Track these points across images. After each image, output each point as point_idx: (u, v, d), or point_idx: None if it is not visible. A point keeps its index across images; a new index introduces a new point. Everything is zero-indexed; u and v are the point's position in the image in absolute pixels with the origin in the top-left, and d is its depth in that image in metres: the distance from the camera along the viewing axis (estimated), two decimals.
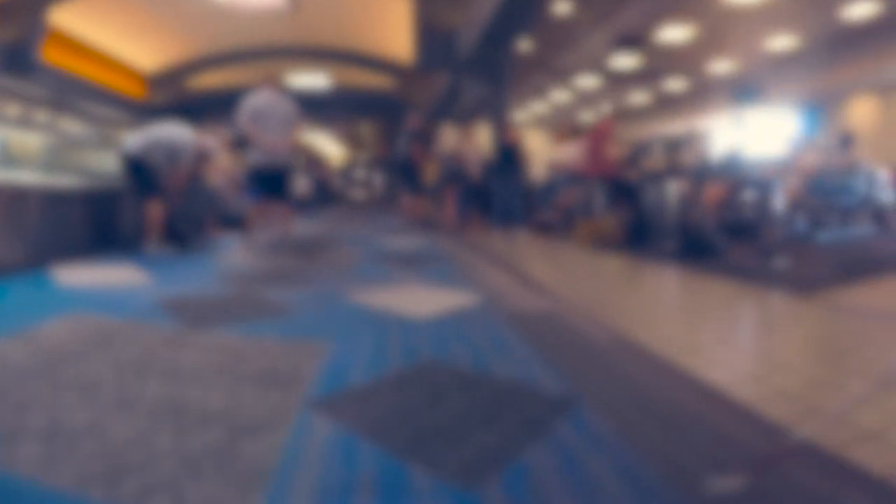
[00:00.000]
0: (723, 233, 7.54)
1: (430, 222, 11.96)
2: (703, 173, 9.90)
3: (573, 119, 24.08)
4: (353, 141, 40.30)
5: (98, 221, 6.97)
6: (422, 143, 10.92)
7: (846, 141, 10.43)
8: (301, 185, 15.94)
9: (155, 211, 6.98)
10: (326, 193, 23.81)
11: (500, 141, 10.20)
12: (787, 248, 6.88)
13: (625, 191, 8.95)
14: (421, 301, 4.28)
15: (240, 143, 10.47)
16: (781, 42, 15.37)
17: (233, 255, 7.07)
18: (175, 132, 7.18)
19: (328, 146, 42.36)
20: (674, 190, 9.30)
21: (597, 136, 9.01)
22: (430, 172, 11.56)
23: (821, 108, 19.37)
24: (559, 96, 21.34)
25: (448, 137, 10.66)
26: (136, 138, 7.01)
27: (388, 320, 3.63)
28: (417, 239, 9.35)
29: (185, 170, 7.71)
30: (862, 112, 18.17)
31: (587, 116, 23.67)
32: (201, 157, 7.71)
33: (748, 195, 9.41)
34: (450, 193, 10.74)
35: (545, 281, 5.09)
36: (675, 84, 19.46)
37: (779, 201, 7.49)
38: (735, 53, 16.57)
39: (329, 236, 9.58)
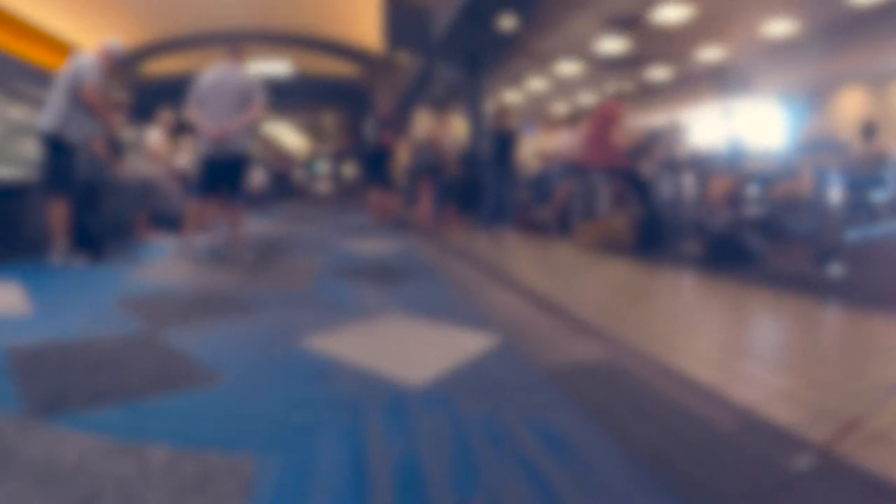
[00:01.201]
0: (758, 233, 6.35)
1: (401, 221, 10.54)
2: (702, 165, 8.68)
3: (546, 109, 22.87)
4: (315, 132, 38.50)
5: None
6: (393, 130, 9.52)
7: (869, 130, 9.25)
8: (256, 177, 14.40)
9: (60, 211, 5.46)
10: (286, 187, 22.21)
11: (494, 128, 8.81)
12: (839, 253, 5.65)
13: (635, 185, 7.66)
14: (412, 348, 2.88)
15: (181, 129, 8.96)
16: (780, 27, 14.28)
17: (156, 267, 5.55)
18: None
19: (289, 137, 40.47)
20: (692, 184, 8.06)
21: (602, 120, 7.69)
22: (402, 162, 10.15)
23: (808, 99, 18.43)
24: (535, 84, 20.00)
25: (422, 124, 9.20)
26: (51, 109, 5.49)
27: (365, 395, 2.23)
28: (390, 242, 7.93)
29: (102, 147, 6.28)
30: (851, 105, 17.24)
31: (561, 107, 22.42)
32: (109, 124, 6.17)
33: (752, 190, 8.26)
34: (425, 187, 9.34)
35: (574, 306, 3.71)
36: (658, 73, 18.32)
37: (834, 196, 6.24)
38: (728, 39, 15.46)
39: (284, 239, 8.09)
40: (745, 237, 6.03)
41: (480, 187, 10.65)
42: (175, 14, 21.87)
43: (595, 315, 3.49)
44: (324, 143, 40.90)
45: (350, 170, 34.63)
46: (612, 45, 14.88)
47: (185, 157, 10.65)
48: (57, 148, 5.46)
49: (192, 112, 6.00)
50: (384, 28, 14.59)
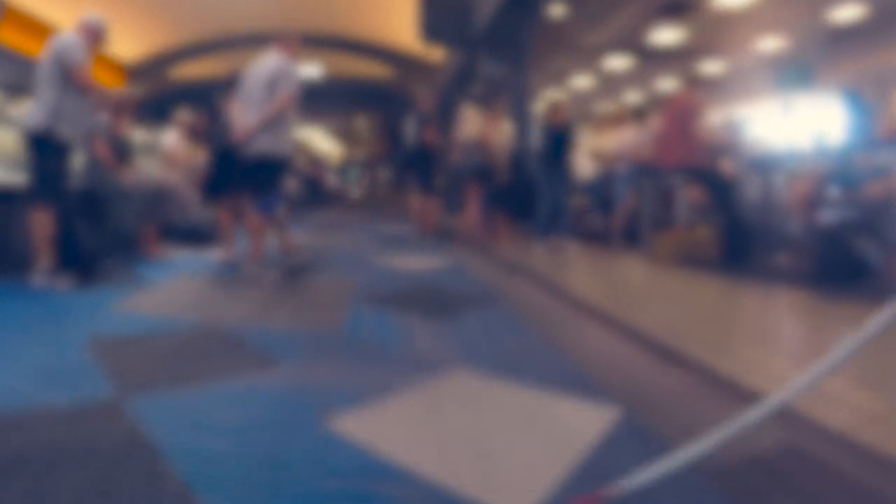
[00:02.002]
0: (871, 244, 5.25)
1: (445, 230, 9.53)
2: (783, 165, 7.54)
3: (590, 108, 21.70)
4: (348, 136, 37.72)
5: None
6: (436, 128, 8.53)
7: None
8: (287, 184, 13.46)
9: (43, 222, 4.55)
10: (318, 193, 21.38)
11: (548, 123, 7.76)
12: None
13: (717, 187, 6.56)
14: (498, 440, 1.86)
15: (205, 131, 8.10)
16: (847, 12, 12.98)
17: (157, 292, 4.58)
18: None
19: (321, 142, 39.75)
20: (783, 186, 6.92)
21: (681, 113, 6.60)
22: (450, 164, 9.14)
23: (876, 91, 17.04)
24: (580, 82, 18.88)
25: (469, 121, 8.16)
26: (38, 103, 4.59)
27: None
28: (435, 257, 6.92)
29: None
30: None
31: (605, 106, 21.26)
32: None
33: (833, 192, 7.12)
34: (472, 193, 8.31)
35: (707, 353, 2.64)
36: (712, 66, 17.06)
37: None
38: (790, 25, 14.17)
39: (315, 253, 7.11)
40: (861, 246, 4.99)
41: (532, 192, 9.59)
42: (204, 17, 21.25)
43: (743, 369, 2.41)
44: (357, 148, 40.10)
45: (384, 176, 33.80)
46: (664, 35, 13.72)
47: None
48: (45, 148, 4.54)
49: (235, 108, 5.47)
50: (420, 21, 13.56)
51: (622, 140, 8.36)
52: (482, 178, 8.36)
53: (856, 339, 1.27)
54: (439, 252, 7.36)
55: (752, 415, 1.34)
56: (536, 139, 9.29)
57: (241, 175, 5.43)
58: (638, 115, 8.23)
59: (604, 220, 8.57)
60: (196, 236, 7.42)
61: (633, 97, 20.50)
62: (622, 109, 9.21)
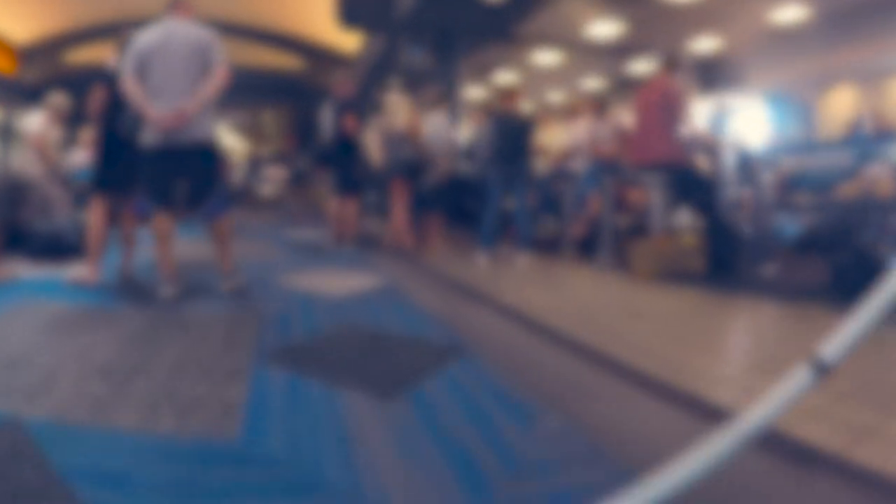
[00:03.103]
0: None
1: (366, 237, 8.13)
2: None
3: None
4: (253, 132, 35.53)
5: None
6: (357, 116, 7.13)
7: None
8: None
9: None
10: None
11: (500, 114, 6.52)
12: None
13: (698, 187, 5.55)
14: None
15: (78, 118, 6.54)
16: (789, 13, 12.42)
17: None
18: None
19: (225, 138, 37.39)
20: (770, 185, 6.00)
21: (662, 99, 5.53)
22: (374, 156, 7.75)
23: (796, 97, 16.79)
24: (504, 77, 17.80)
25: (396, 110, 6.83)
26: None
27: None
28: (362, 274, 5.53)
29: None
30: (843, 103, 15.66)
31: (526, 107, 20.23)
32: None
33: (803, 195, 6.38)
34: (400, 193, 7.00)
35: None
36: (644, 65, 16.33)
37: None
38: (730, 26, 13.55)
39: (206, 269, 5.56)
40: (882, 254, 4.21)
41: (468, 191, 8.34)
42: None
43: None
44: (264, 145, 37.96)
45: (284, 174, 32.00)
46: (605, 28, 12.79)
47: (82, 156, 8.11)
48: None
49: (130, 87, 4.18)
50: (337, 2, 12.08)
51: (577, 134, 7.25)
52: (411, 175, 7.05)
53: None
54: (364, 266, 5.99)
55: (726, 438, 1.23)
56: (475, 133, 8.05)
57: (183, 170, 4.27)
58: (599, 105, 7.10)
59: (555, 226, 7.42)
60: (58, 247, 5.77)
61: (556, 96, 19.65)
62: (578, 101, 8.08)
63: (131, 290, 4.59)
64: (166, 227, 4.32)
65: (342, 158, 7.12)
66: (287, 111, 28.03)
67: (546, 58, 15.30)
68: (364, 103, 7.10)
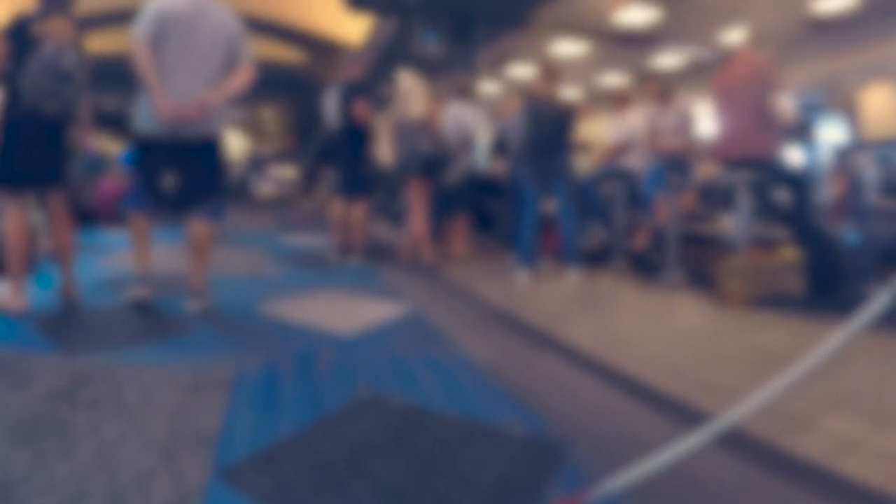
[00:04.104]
0: None
1: (378, 247, 6.94)
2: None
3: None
4: (253, 130, 34.27)
5: None
6: (368, 101, 5.94)
7: None
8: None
9: None
10: None
11: (535, 101, 5.36)
12: None
13: (793, 186, 4.43)
14: None
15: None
16: (833, 2, 11.25)
17: None
18: None
19: (225, 137, 36.13)
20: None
21: (755, 80, 4.39)
22: (384, 150, 6.60)
23: (835, 93, 15.64)
24: (519, 72, 16.59)
25: (411, 97, 5.65)
26: None
27: None
28: (379, 303, 4.36)
29: None
30: (884, 100, 14.50)
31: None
32: None
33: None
34: (418, 194, 5.83)
35: None
36: (668, 60, 15.19)
37: None
38: (767, 13, 12.36)
39: (174, 287, 4.36)
40: None
41: (494, 192, 7.16)
42: None
43: None
44: (264, 142, 36.73)
45: (290, 174, 30.82)
46: (637, 15, 11.60)
47: None
48: None
49: (141, 57, 3.44)
50: None
51: (631, 125, 6.08)
52: (430, 172, 5.88)
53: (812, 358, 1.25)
54: (378, 287, 4.80)
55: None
56: (504, 124, 6.87)
57: (184, 168, 3.62)
58: (661, 90, 5.91)
59: (602, 234, 6.25)
60: None
61: (572, 93, 18.45)
62: (626, 88, 6.86)
63: (69, 320, 3.43)
64: (147, 227, 3.76)
65: (349, 152, 5.93)
66: (288, 107, 26.88)
67: (567, 49, 14.12)
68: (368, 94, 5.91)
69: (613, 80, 16.93)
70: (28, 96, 3.36)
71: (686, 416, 2.12)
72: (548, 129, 5.27)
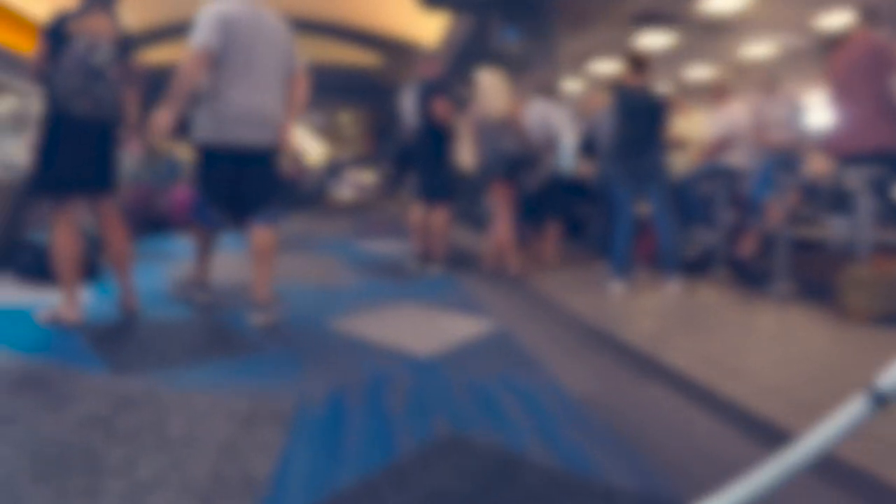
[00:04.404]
0: None
1: (458, 255, 6.59)
2: None
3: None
4: (332, 134, 34.55)
5: None
6: (448, 99, 5.60)
7: None
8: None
9: None
10: (291, 195, 18.41)
11: (623, 93, 4.90)
12: None
13: None
14: None
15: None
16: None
17: None
18: None
19: (305, 142, 36.47)
20: None
21: (872, 61, 3.87)
22: (468, 151, 6.26)
23: None
24: (603, 68, 15.99)
25: (493, 93, 5.27)
26: None
27: None
28: (462, 320, 4.00)
29: None
30: None
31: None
32: None
33: None
34: (501, 197, 5.44)
35: None
36: (761, 48, 14.29)
37: None
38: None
39: (235, 297, 4.10)
40: None
41: (580, 195, 6.71)
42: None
43: None
44: (343, 147, 37.00)
45: (371, 179, 30.94)
46: (724, 2, 10.89)
47: None
48: None
49: (197, 66, 3.31)
50: None
51: (734, 118, 5.55)
52: (515, 174, 5.48)
53: None
54: (460, 299, 4.45)
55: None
56: (591, 122, 6.41)
57: (246, 177, 3.55)
58: (768, 80, 5.37)
59: (701, 240, 5.72)
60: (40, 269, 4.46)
61: (657, 87, 17.62)
62: (723, 79, 6.29)
63: (124, 334, 3.23)
64: (210, 238, 3.80)
65: (429, 153, 5.60)
66: (365, 111, 26.90)
67: (652, 41, 13.44)
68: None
69: (701, 72, 16.10)
70: (59, 95, 3.17)
71: (827, 465, 1.68)
72: (641, 125, 4.80)
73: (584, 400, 2.39)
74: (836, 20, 11.62)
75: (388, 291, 4.72)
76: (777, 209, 4.67)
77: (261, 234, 3.54)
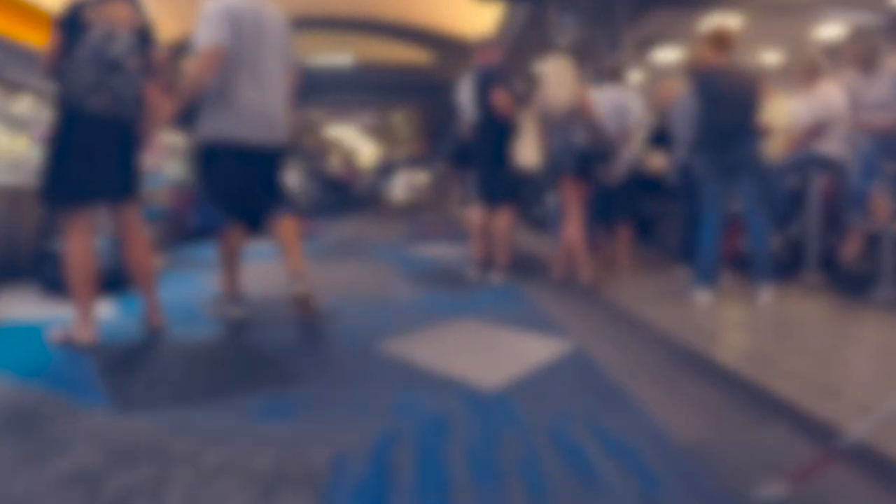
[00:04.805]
0: None
1: (523, 262, 6.04)
2: None
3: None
4: (383, 134, 34.26)
5: None
6: (510, 90, 5.07)
7: None
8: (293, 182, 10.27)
9: None
10: (342, 197, 18.17)
11: (706, 73, 4.30)
12: None
13: None
14: None
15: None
16: None
17: None
18: None
19: (357, 143, 36.28)
20: None
21: None
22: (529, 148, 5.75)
23: None
24: (667, 56, 15.18)
25: (559, 80, 4.70)
26: None
27: None
28: (533, 339, 3.48)
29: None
30: None
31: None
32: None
33: None
34: (571, 196, 4.87)
35: None
36: (833, 30, 13.32)
37: None
38: None
39: (274, 315, 3.67)
40: None
41: (663, 194, 6.10)
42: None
43: None
44: (396, 147, 36.69)
45: (424, 179, 30.61)
46: None
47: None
48: None
49: (211, 64, 3.15)
50: None
51: (828, 100, 4.88)
52: (588, 170, 4.90)
53: None
54: (528, 314, 3.94)
55: None
56: (666, 110, 5.81)
57: (261, 176, 3.48)
58: (866, 56, 4.69)
59: (782, 239, 5.08)
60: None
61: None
62: (811, 59, 5.57)
63: (142, 358, 2.82)
64: (237, 244, 3.57)
65: (490, 149, 5.09)
66: (418, 111, 26.50)
67: (722, 25, 12.58)
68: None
69: (770, 57, 15.17)
70: (72, 91, 2.78)
71: None
72: (729, 110, 4.20)
73: (690, 449, 1.88)
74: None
75: (445, 305, 4.23)
76: (882, 203, 4.02)
77: (284, 224, 3.45)
